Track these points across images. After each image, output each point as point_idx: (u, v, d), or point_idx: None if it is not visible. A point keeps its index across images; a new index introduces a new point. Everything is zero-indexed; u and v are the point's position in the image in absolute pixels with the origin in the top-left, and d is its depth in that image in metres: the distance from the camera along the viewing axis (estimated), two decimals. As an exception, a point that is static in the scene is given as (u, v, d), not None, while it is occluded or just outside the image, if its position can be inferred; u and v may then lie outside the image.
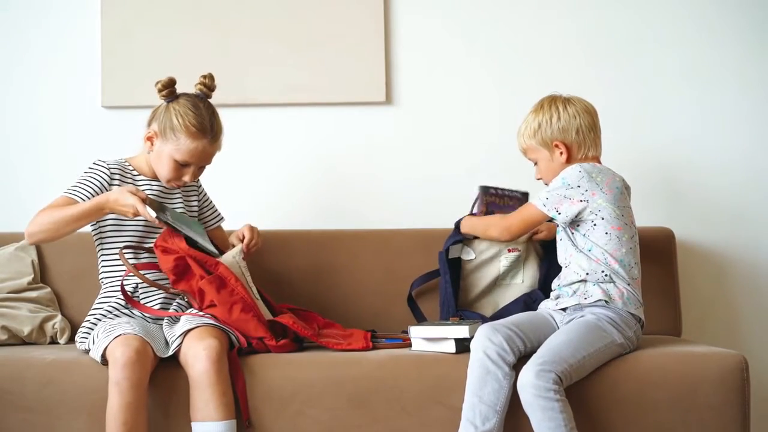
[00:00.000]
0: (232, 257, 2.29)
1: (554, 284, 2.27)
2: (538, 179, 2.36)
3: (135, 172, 2.35)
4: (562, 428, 1.92)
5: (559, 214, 2.20)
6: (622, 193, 2.23)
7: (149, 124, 2.32)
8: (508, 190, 2.50)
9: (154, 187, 2.35)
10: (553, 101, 2.31)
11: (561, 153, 2.27)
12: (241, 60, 2.83)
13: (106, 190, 2.27)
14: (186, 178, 2.30)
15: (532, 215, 2.26)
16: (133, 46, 2.82)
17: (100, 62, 2.83)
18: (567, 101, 2.31)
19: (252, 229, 2.40)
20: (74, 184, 2.27)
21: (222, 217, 2.53)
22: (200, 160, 2.30)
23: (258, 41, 2.84)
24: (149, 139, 2.31)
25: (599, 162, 2.30)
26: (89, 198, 2.23)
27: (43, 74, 2.86)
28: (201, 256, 2.21)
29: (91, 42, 2.84)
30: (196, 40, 2.82)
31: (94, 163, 2.32)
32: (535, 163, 2.35)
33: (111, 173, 2.30)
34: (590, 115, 2.31)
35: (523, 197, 2.51)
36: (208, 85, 2.34)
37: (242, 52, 2.83)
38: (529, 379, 1.94)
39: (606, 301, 2.13)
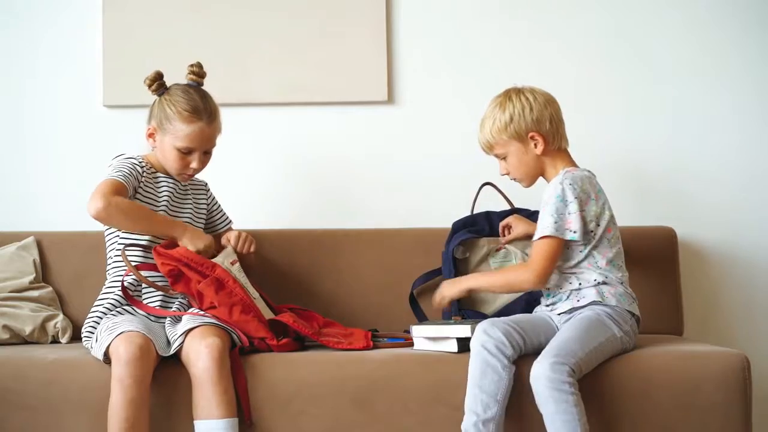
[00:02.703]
0: (221, 263, 2.27)
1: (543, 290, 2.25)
2: (504, 175, 2.29)
3: (153, 170, 2.35)
4: (576, 422, 1.91)
5: (575, 232, 2.12)
6: (600, 190, 2.20)
7: (148, 122, 2.34)
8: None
9: (171, 186, 2.36)
10: (518, 92, 2.25)
11: (536, 144, 2.21)
12: (243, 59, 2.83)
13: (138, 182, 2.28)
14: (194, 165, 2.32)
15: (552, 247, 2.12)
16: (135, 45, 2.82)
17: (102, 61, 2.83)
18: (533, 91, 2.25)
19: (237, 236, 2.38)
20: (117, 170, 2.25)
21: (230, 221, 2.54)
22: (202, 144, 2.31)
23: (259, 40, 2.84)
24: (150, 136, 2.34)
25: (568, 153, 2.26)
26: (133, 185, 2.25)
27: (45, 73, 2.86)
28: (196, 260, 2.21)
29: (93, 41, 2.84)
30: (198, 39, 2.82)
31: (127, 158, 2.31)
32: (503, 158, 2.26)
33: (141, 168, 2.31)
34: (556, 104, 2.26)
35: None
36: (198, 72, 2.36)
37: (244, 52, 2.83)
38: (543, 372, 1.93)
39: (600, 301, 2.13)
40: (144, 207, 2.27)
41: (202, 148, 2.32)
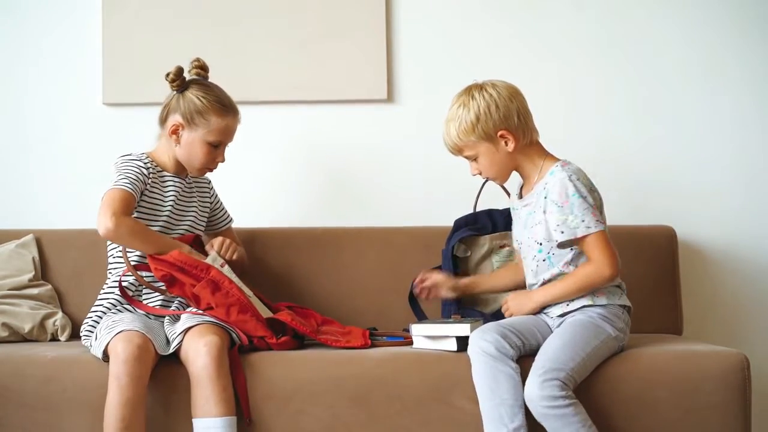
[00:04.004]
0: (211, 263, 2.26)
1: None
2: (476, 175, 2.22)
3: (159, 168, 2.34)
4: (580, 430, 1.90)
5: (603, 223, 2.08)
6: (592, 181, 2.17)
7: (165, 119, 2.32)
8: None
9: (177, 184, 2.35)
10: (481, 88, 2.13)
11: (506, 142, 2.13)
12: (243, 57, 2.83)
13: (145, 185, 2.27)
14: (220, 159, 2.33)
15: (600, 238, 2.05)
16: (134, 43, 2.82)
17: (101, 59, 2.82)
18: (494, 86, 2.13)
19: (221, 242, 2.34)
20: (124, 177, 2.22)
21: (231, 218, 2.54)
22: (229, 137, 2.34)
23: (259, 38, 2.83)
24: (174, 132, 2.31)
25: (541, 144, 2.19)
26: (140, 190, 2.23)
27: (44, 71, 2.86)
28: (190, 263, 2.19)
29: (93, 39, 2.84)
30: (198, 38, 2.82)
31: (132, 159, 2.29)
32: (474, 159, 2.17)
33: (147, 167, 2.29)
34: (520, 95, 2.16)
35: None
36: (202, 66, 2.38)
37: (244, 50, 2.83)
38: (534, 392, 1.92)
39: (591, 304, 2.10)
40: (149, 229, 2.24)
41: (228, 141, 2.34)
